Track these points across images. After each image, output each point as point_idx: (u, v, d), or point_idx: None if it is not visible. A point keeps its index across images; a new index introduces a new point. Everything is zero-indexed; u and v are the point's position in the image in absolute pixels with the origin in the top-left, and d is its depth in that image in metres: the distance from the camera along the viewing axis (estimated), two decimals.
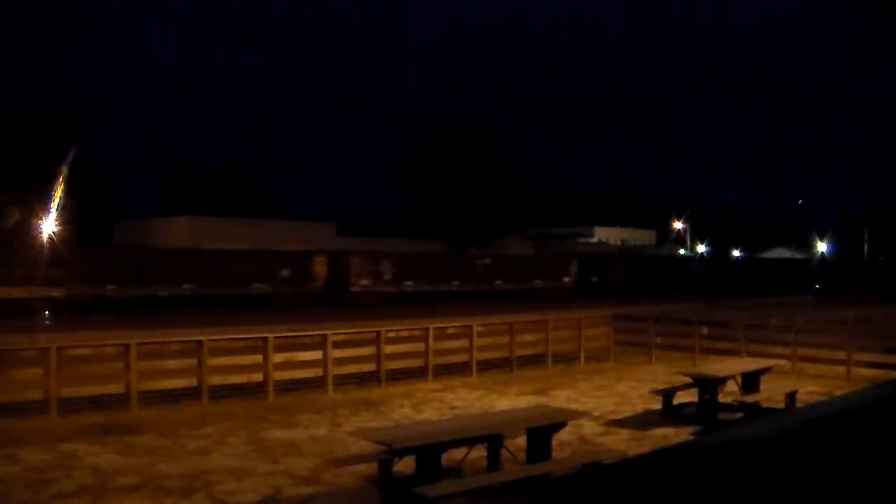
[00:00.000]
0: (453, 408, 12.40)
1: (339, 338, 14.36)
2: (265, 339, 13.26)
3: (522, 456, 8.17)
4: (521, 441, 8.23)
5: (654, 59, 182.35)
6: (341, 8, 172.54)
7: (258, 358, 13.14)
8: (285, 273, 32.53)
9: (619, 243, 72.82)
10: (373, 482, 7.85)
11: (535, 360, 17.11)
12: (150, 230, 41.40)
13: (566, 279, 44.41)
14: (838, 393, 13.29)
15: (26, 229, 30.05)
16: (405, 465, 7.51)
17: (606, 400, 13.08)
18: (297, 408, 12.12)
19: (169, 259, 31.02)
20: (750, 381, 12.20)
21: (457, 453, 7.73)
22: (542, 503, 6.11)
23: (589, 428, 10.66)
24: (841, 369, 15.45)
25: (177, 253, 32.77)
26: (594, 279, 45.47)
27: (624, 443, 9.96)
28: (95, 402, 11.87)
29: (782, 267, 64.33)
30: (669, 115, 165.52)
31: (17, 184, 30.43)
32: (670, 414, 11.57)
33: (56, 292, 26.46)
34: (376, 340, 14.44)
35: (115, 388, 12.15)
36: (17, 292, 25.65)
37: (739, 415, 11.40)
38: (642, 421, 11.39)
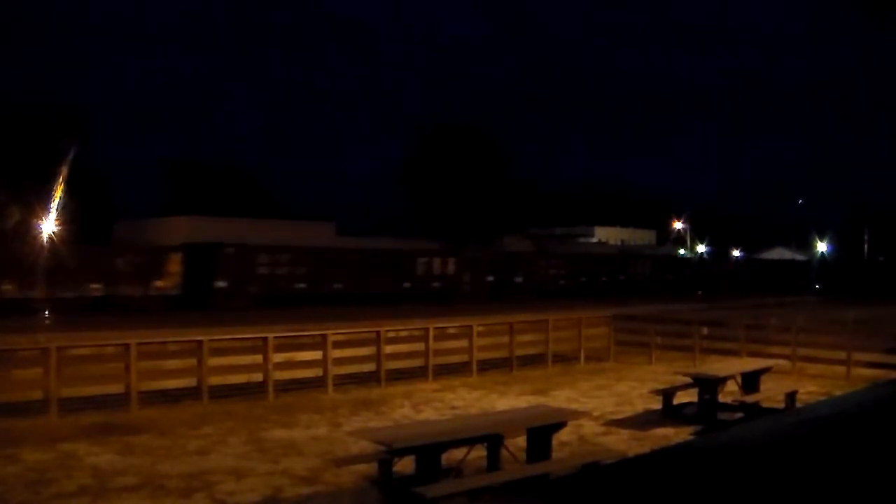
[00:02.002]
0: (453, 408, 12.40)
1: (339, 338, 14.37)
2: (265, 339, 13.26)
3: (522, 456, 8.17)
4: (521, 441, 8.23)
5: (655, 58, 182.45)
6: (341, 7, 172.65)
7: (258, 358, 13.14)
8: None
9: (619, 243, 72.80)
10: (373, 482, 7.85)
11: (535, 360, 17.11)
12: (150, 230, 41.39)
13: (161, 283, 29.82)
14: (838, 393, 13.29)
15: (26, 229, 30.07)
16: (405, 465, 7.51)
17: (606, 400, 13.08)
18: (297, 408, 12.12)
19: None
20: (750, 381, 12.21)
21: (457, 453, 7.73)
22: (542, 503, 6.12)
23: (589, 428, 10.66)
24: (841, 369, 15.45)
25: None
26: (221, 283, 30.47)
27: (624, 443, 9.96)
28: (95, 402, 11.87)
29: (782, 267, 64.30)
30: (670, 115, 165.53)
31: (17, 184, 30.45)
32: (670, 414, 11.57)
33: None
34: (376, 340, 14.45)
35: (115, 388, 12.16)
36: None
37: (739, 415, 11.40)
38: (642, 421, 11.39)
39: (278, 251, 33.51)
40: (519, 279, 40.76)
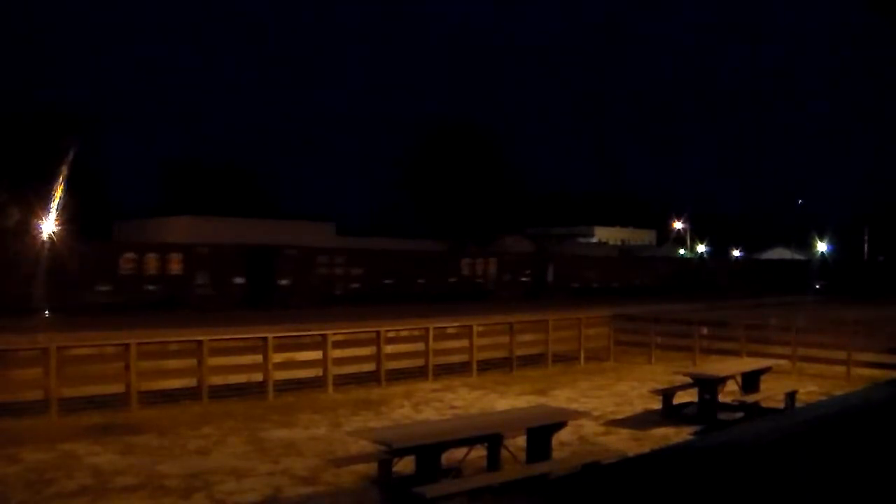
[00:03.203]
0: (453, 408, 12.40)
1: (339, 338, 14.36)
2: (265, 339, 13.26)
3: (522, 456, 8.17)
4: (521, 441, 8.23)
5: (654, 58, 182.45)
6: (341, 7, 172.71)
7: (258, 358, 13.13)
8: None
9: (619, 243, 72.81)
10: (373, 482, 7.85)
11: (535, 360, 17.10)
12: (150, 230, 41.43)
13: None
14: (838, 393, 13.29)
15: (26, 229, 30.08)
16: (405, 465, 7.51)
17: (606, 400, 13.08)
18: (297, 408, 12.12)
19: None
20: (750, 381, 12.21)
21: (457, 453, 7.73)
22: (542, 503, 6.12)
23: (589, 428, 10.66)
24: (841, 369, 15.45)
25: None
26: None
27: (624, 443, 9.96)
28: (95, 402, 11.86)
29: (782, 267, 64.21)
30: (670, 115, 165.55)
31: (17, 184, 30.46)
32: (670, 414, 11.57)
33: None
34: (376, 340, 14.45)
35: (115, 388, 12.15)
36: None
37: (739, 415, 11.40)
38: (642, 421, 11.39)
39: None
40: (286, 281, 32.16)
